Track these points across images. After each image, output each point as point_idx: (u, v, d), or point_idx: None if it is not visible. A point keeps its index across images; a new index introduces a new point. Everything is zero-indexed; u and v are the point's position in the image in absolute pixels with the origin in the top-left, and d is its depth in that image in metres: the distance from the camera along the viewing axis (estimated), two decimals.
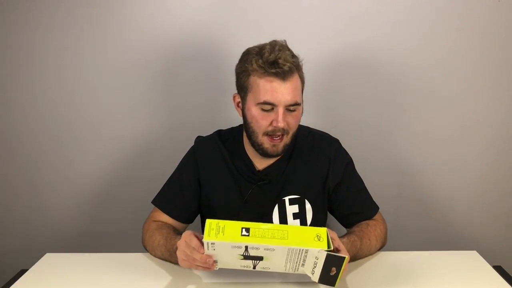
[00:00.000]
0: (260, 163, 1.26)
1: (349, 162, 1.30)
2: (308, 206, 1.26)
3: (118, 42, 1.63)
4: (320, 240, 0.96)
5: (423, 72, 1.63)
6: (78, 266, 1.20)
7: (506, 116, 1.66)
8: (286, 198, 1.26)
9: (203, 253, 0.99)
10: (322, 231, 0.97)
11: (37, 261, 1.23)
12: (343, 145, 1.32)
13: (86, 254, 1.26)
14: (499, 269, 1.16)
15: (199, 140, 1.35)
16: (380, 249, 1.26)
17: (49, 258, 1.25)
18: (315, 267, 0.98)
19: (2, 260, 1.79)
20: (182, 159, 1.33)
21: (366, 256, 1.21)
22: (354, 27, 1.60)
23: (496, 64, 1.62)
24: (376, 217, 1.30)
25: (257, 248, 0.96)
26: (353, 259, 1.16)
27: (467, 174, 1.71)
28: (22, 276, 1.15)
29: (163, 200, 1.31)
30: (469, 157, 1.69)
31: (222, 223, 0.97)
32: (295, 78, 1.14)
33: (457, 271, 1.14)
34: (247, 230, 0.96)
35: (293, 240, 0.95)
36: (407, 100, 1.66)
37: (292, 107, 1.15)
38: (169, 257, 1.16)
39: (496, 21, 1.59)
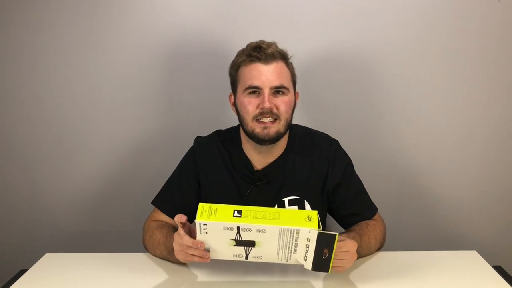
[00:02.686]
0: (259, 163, 1.26)
1: (349, 163, 1.30)
2: (307, 207, 1.26)
3: (119, 42, 1.63)
4: (311, 221, 0.98)
5: (422, 72, 1.63)
6: (78, 266, 1.20)
7: (506, 115, 1.66)
8: (286, 199, 1.26)
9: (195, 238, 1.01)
10: (313, 213, 0.99)
11: (37, 261, 1.23)
12: (342, 146, 1.32)
13: (86, 254, 1.26)
14: (499, 269, 1.16)
15: (198, 140, 1.35)
16: (379, 249, 1.26)
17: (49, 258, 1.25)
18: (307, 251, 0.99)
19: (2, 260, 1.79)
20: (182, 159, 1.34)
21: (366, 255, 1.21)
22: (354, 27, 1.60)
23: (495, 64, 1.62)
24: (375, 217, 1.30)
25: (248, 230, 0.97)
26: None
27: (467, 174, 1.71)
28: (22, 276, 1.15)
29: (162, 201, 1.31)
30: (469, 156, 1.69)
31: (215, 206, 0.99)
32: (280, 64, 1.18)
33: (457, 271, 1.14)
34: (239, 212, 0.98)
35: (284, 220, 0.97)
36: (406, 99, 1.66)
37: (279, 90, 1.17)
38: (168, 256, 1.16)
39: (496, 21, 1.59)
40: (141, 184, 1.72)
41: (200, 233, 0.99)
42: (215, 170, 1.28)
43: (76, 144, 1.71)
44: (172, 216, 1.27)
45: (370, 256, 1.22)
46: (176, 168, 1.33)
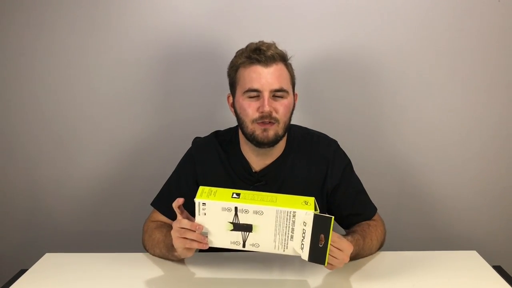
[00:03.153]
0: (257, 164, 1.26)
1: (348, 163, 1.30)
2: None
3: (118, 41, 1.63)
4: (308, 205, 1.00)
5: (422, 71, 1.63)
6: (78, 266, 1.20)
7: (505, 115, 1.66)
8: None
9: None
10: (310, 199, 1.01)
11: (37, 261, 1.23)
12: (341, 146, 1.32)
13: (86, 254, 1.26)
14: (498, 269, 1.16)
15: (197, 141, 1.35)
16: (379, 249, 1.26)
17: (49, 258, 1.25)
18: (303, 238, 1.00)
19: (2, 260, 1.79)
20: (180, 161, 1.34)
21: (366, 255, 1.21)
22: (354, 27, 1.60)
23: (495, 64, 1.62)
24: (375, 217, 1.30)
25: (246, 211, 0.99)
26: (354, 257, 1.16)
27: (466, 174, 1.71)
28: (22, 276, 1.15)
29: (161, 202, 1.31)
30: (468, 156, 1.69)
31: (215, 188, 1.03)
32: (280, 66, 1.18)
33: (457, 271, 1.14)
34: (238, 194, 1.01)
35: (282, 203, 1.00)
36: (406, 99, 1.66)
37: (279, 93, 1.17)
38: (167, 253, 1.17)
39: (496, 21, 1.59)
40: (141, 184, 1.72)
41: (199, 214, 1.01)
42: (213, 171, 1.28)
43: (76, 144, 1.71)
44: (171, 217, 1.28)
45: (370, 256, 1.22)
46: (175, 170, 1.33)
